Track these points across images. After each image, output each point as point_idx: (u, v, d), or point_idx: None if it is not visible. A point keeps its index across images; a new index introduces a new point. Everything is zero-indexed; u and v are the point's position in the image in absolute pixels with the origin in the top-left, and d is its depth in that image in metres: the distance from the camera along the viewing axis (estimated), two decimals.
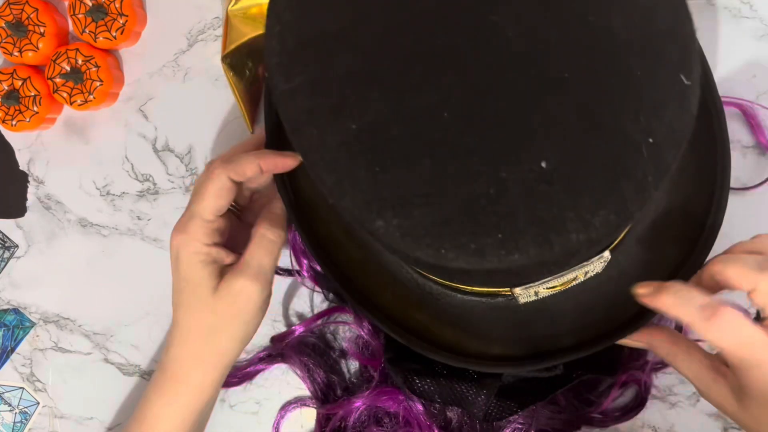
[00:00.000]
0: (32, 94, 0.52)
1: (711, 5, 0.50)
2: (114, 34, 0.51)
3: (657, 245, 0.42)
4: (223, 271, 0.42)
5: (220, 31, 0.53)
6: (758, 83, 0.50)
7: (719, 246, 0.41)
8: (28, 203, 0.55)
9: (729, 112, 0.50)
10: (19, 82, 0.52)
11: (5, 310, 0.56)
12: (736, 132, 0.50)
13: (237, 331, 0.43)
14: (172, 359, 0.44)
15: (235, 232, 0.45)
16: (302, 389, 0.52)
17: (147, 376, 0.55)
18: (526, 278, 0.37)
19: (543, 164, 0.30)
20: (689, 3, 0.33)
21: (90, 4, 0.51)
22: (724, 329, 0.34)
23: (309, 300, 0.53)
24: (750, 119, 0.49)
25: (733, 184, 0.50)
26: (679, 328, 0.46)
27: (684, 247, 0.42)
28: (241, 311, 0.42)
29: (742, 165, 0.50)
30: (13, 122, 0.52)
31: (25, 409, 0.56)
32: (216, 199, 0.41)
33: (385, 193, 0.31)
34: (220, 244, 0.43)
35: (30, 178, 0.55)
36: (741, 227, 0.50)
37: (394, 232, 0.31)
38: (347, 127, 0.32)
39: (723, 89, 0.50)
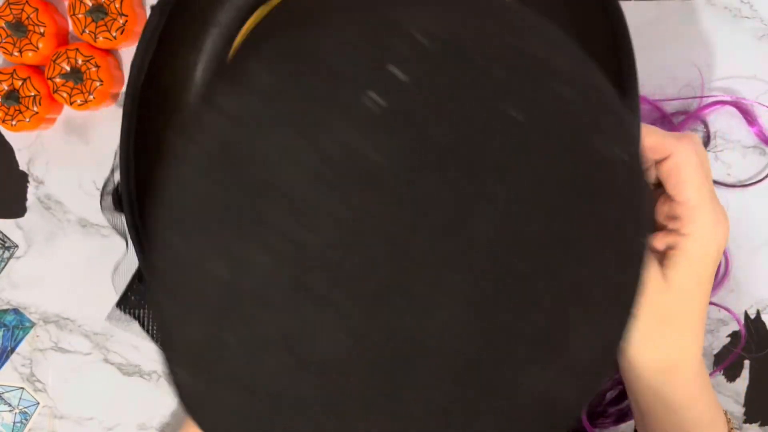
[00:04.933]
0: (32, 94, 0.52)
1: (711, 5, 0.50)
2: (114, 34, 0.51)
3: None
4: None
5: None
6: (758, 83, 0.50)
7: None
8: (28, 203, 0.55)
9: (727, 111, 0.50)
10: (19, 82, 0.52)
11: (5, 310, 0.56)
12: (736, 132, 0.50)
13: None
14: None
15: None
16: None
17: (147, 376, 0.55)
18: None
19: None
20: None
21: (90, 4, 0.51)
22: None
23: None
24: (747, 116, 0.49)
25: (733, 184, 0.50)
26: None
27: None
28: None
29: (741, 165, 0.50)
30: (13, 122, 0.52)
31: (25, 410, 0.56)
32: None
33: None
34: None
35: (30, 178, 0.55)
36: (741, 224, 0.51)
37: None
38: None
39: (723, 89, 0.50)
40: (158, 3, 0.37)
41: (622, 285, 0.24)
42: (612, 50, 0.38)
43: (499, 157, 0.22)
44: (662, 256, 0.38)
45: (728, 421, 0.41)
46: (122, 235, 0.45)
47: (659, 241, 0.38)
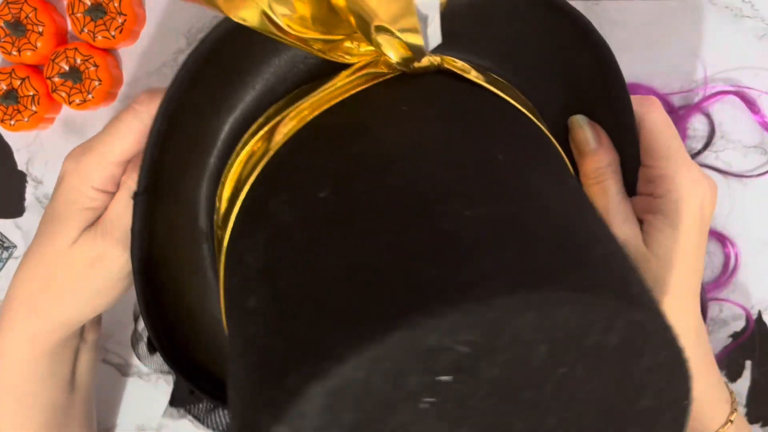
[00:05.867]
0: (31, 93, 0.52)
1: (712, 5, 0.50)
2: (113, 33, 0.51)
3: None
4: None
5: None
6: (760, 83, 0.50)
7: None
8: (27, 203, 0.55)
9: (730, 103, 0.50)
10: (18, 82, 0.52)
11: None
12: (737, 132, 0.50)
13: (84, 296, 0.38)
14: (7, 298, 0.39)
15: None
16: None
17: (146, 376, 0.54)
18: None
19: None
20: None
21: (89, 4, 0.51)
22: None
23: None
24: (750, 105, 0.49)
25: (735, 173, 0.50)
26: None
27: None
28: (95, 277, 0.37)
29: (742, 164, 0.50)
30: (12, 122, 0.52)
31: None
32: (126, 138, 0.36)
33: None
34: (111, 193, 0.37)
35: (28, 178, 0.55)
36: (742, 225, 0.51)
37: None
38: None
39: (725, 82, 0.50)
40: (136, 196, 0.35)
41: None
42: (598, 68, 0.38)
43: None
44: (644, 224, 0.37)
45: (733, 402, 0.39)
46: (166, 372, 0.48)
47: (637, 207, 0.37)
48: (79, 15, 0.51)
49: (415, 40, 0.30)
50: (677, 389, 0.25)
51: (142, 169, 0.34)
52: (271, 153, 0.32)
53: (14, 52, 0.52)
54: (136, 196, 0.35)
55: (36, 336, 0.39)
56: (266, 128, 0.33)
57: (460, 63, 0.35)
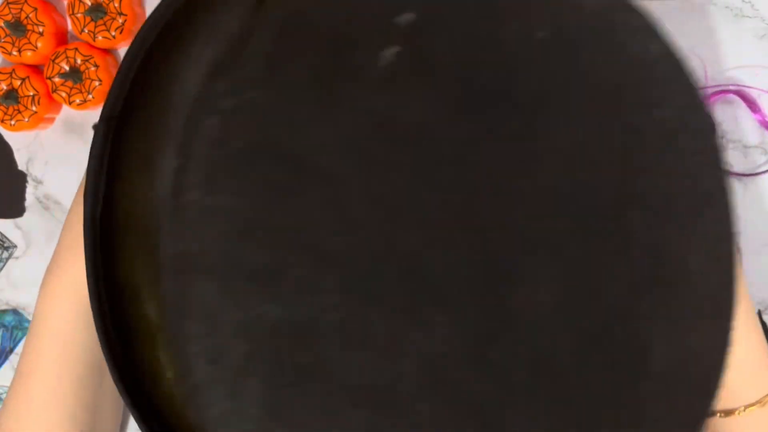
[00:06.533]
0: (31, 93, 0.52)
1: (712, 4, 0.50)
2: (113, 33, 0.51)
3: None
4: None
5: None
6: (760, 82, 0.50)
7: None
8: (27, 203, 0.55)
9: (731, 102, 0.50)
10: (18, 82, 0.52)
11: (4, 311, 0.56)
12: (738, 131, 0.50)
13: None
14: (60, 245, 0.41)
15: None
16: None
17: None
18: None
19: None
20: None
21: (89, 4, 0.51)
22: None
23: None
24: (750, 104, 0.49)
25: (736, 172, 0.50)
26: None
27: None
28: None
29: (743, 164, 0.50)
30: (12, 122, 0.52)
31: None
32: None
33: None
34: None
35: (29, 178, 0.55)
36: (743, 225, 0.50)
37: None
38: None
39: (725, 81, 0.50)
40: (100, 121, 0.33)
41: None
42: None
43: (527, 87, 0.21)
44: None
45: None
46: None
47: None
48: (79, 15, 0.51)
49: None
50: (683, 97, 0.23)
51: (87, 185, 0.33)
52: None
53: (14, 52, 0.52)
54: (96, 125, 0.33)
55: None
56: None
57: None
